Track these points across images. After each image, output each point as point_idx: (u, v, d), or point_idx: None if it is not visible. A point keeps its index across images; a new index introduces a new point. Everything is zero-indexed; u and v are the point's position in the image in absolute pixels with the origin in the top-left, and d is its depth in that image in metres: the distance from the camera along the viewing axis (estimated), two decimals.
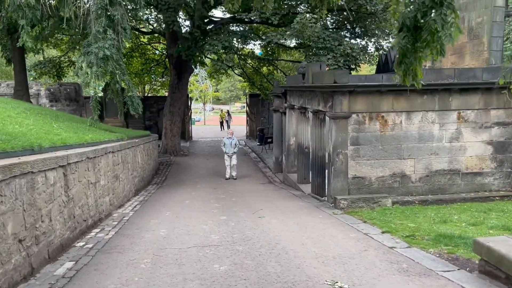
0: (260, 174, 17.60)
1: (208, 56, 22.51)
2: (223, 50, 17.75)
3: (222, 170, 18.02)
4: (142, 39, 26.87)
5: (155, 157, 17.68)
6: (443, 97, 10.19)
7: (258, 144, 26.72)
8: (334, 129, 9.99)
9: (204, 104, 54.69)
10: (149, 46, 27.06)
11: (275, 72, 25.27)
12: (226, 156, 15.84)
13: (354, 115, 10.02)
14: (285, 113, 15.71)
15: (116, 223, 8.05)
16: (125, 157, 10.91)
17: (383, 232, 7.11)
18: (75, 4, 11.51)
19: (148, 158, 15.28)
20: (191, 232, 7.29)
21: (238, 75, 29.13)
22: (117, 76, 11.80)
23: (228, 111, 40.11)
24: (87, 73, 11.64)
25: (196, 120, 48.30)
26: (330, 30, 17.27)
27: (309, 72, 11.68)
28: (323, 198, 11.21)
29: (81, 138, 8.14)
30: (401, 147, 10.25)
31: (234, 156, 15.81)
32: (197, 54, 20.34)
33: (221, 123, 39.25)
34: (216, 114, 50.54)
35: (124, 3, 11.97)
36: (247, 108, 30.97)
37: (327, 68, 13.76)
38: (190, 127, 29.44)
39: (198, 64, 26.95)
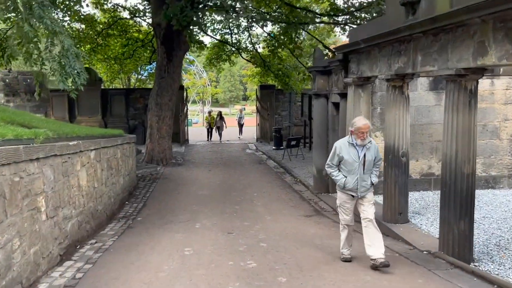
0: (294, 195, 11.17)
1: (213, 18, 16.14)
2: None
3: (233, 189, 11.60)
4: (122, 14, 20.53)
5: (131, 169, 11.26)
6: None
7: (273, 149, 20.45)
8: None
9: (203, 104, 48.20)
10: (131, 21, 20.66)
11: (302, 47, 18.81)
12: (342, 196, 5.56)
13: None
14: (342, 96, 9.31)
15: None
16: (22, 184, 4.52)
17: None
18: None
19: (113, 174, 8.90)
20: None
21: (248, 60, 22.78)
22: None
23: (220, 113, 26.04)
24: None
25: (193, 122, 41.88)
26: None
27: None
28: (483, 270, 4.84)
29: None
30: None
31: (369, 197, 5.51)
32: (195, 19, 13.98)
33: (209, 130, 25.36)
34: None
35: None
36: (258, 104, 24.62)
37: None
38: (186, 127, 23.03)
39: (195, 45, 20.64)
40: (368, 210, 5.38)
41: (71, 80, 6.09)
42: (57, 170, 5.57)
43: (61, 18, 19.29)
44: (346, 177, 5.43)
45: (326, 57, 13.05)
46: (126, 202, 10.15)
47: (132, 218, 8.74)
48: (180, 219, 8.46)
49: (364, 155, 5.41)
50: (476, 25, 4.77)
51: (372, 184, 5.51)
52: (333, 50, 16.86)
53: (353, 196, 5.46)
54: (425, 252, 5.81)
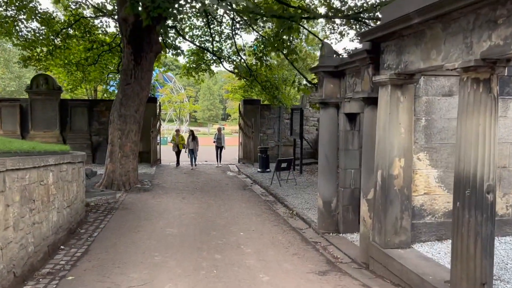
0: (293, 235, 8.39)
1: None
2: None
3: (213, 225, 8.70)
4: (86, 12, 17.73)
5: (74, 198, 8.30)
6: None
7: (259, 171, 17.77)
8: None
9: (180, 121, 45.21)
10: (96, 21, 17.83)
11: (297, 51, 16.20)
12: None
13: None
14: (369, 102, 6.67)
15: None
16: None
17: None
18: None
19: (35, 208, 5.98)
20: None
21: (230, 71, 20.16)
22: None
23: (192, 132, 20.02)
24: None
25: (168, 140, 38.78)
26: None
27: None
28: None
29: None
30: None
31: None
32: (171, 10, 11.31)
33: (178, 153, 19.71)
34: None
35: None
36: (241, 120, 21.94)
37: None
38: (157, 146, 20.05)
39: (170, 50, 17.97)
40: None
41: None
42: None
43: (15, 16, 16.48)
44: None
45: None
46: (62, 246, 7.21)
47: (60, 276, 5.83)
48: (132, 279, 5.59)
49: None
50: None
51: None
52: (347, 50, 14.46)
53: None
54: None
